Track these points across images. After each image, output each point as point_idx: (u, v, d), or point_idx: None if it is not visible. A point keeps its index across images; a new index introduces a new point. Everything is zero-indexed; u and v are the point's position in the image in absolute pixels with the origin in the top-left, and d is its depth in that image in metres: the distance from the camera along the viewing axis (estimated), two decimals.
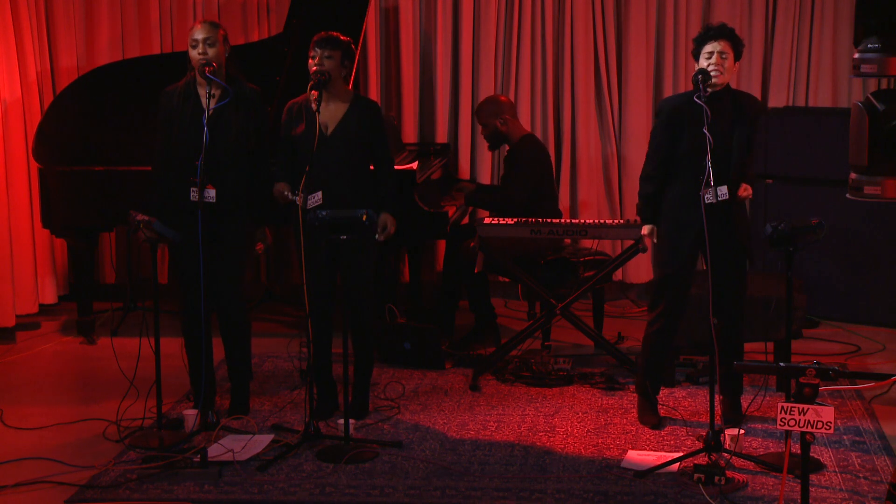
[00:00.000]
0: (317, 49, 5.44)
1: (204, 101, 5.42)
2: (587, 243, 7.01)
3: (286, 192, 5.46)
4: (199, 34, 5.41)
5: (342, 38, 5.50)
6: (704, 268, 5.32)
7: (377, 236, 5.51)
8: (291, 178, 5.47)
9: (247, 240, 5.59)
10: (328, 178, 5.44)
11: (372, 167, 5.59)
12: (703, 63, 5.24)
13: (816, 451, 5.14)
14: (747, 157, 5.33)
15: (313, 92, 5.40)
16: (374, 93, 7.91)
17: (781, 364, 3.98)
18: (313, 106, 5.38)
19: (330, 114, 5.50)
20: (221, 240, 5.48)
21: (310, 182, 5.39)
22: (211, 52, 5.39)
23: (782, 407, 3.85)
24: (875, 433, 5.42)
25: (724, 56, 5.22)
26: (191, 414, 5.44)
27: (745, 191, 5.29)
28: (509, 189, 6.82)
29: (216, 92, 5.39)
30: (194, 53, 5.41)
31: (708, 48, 5.24)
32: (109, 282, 8.05)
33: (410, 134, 7.98)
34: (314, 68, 5.42)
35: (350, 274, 5.53)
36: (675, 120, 5.32)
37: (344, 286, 5.56)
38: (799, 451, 3.92)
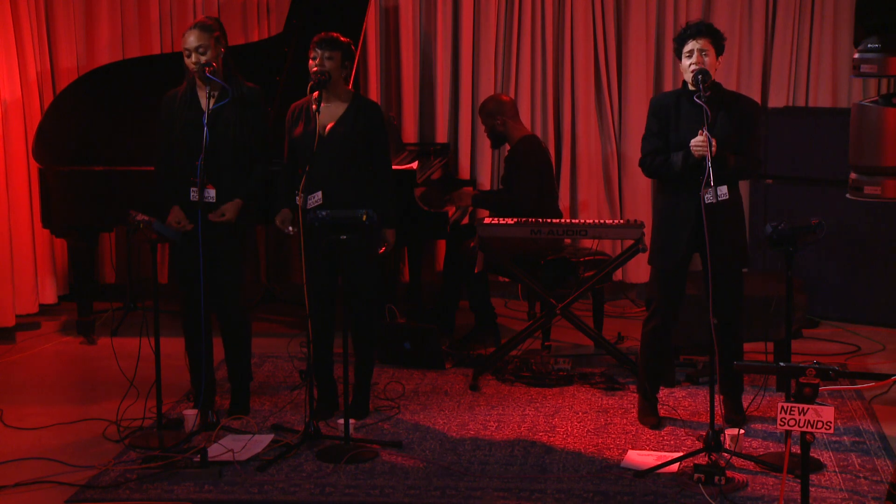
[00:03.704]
0: (317, 50, 5.43)
1: (204, 102, 5.42)
2: (587, 243, 7.01)
3: (289, 227, 5.49)
4: (191, 42, 5.36)
5: (342, 38, 5.49)
6: (701, 268, 5.32)
7: (379, 250, 5.52)
8: (295, 183, 5.46)
9: (247, 241, 5.59)
10: (327, 178, 5.44)
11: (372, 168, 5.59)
12: (684, 63, 5.24)
13: (816, 451, 5.14)
14: (743, 154, 5.30)
15: (314, 93, 5.39)
16: (374, 93, 7.91)
17: (781, 364, 3.97)
18: (313, 107, 5.38)
19: (328, 114, 5.50)
20: (221, 240, 5.48)
21: (309, 182, 5.39)
22: (204, 59, 5.36)
23: (782, 407, 3.85)
24: (875, 433, 5.42)
25: (704, 53, 5.21)
26: (191, 414, 5.43)
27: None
28: (515, 192, 6.82)
29: (216, 92, 5.38)
30: (188, 62, 5.39)
31: (688, 47, 5.23)
32: (109, 282, 8.05)
33: (410, 134, 7.98)
34: (315, 69, 5.42)
35: (351, 274, 5.52)
36: (661, 117, 5.32)
37: (345, 286, 5.56)
38: (799, 451, 3.92)
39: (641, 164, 5.41)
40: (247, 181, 5.48)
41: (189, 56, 5.37)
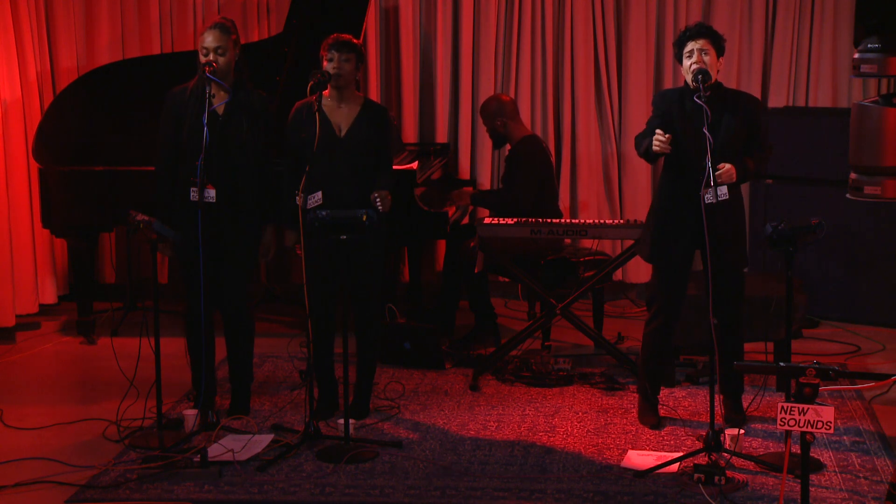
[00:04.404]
0: (334, 52, 5.42)
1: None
2: (587, 243, 7.01)
3: (297, 250, 5.47)
4: (210, 42, 5.35)
5: (355, 41, 5.49)
6: (702, 268, 5.32)
7: (379, 207, 5.38)
8: (299, 184, 5.42)
9: (255, 243, 5.58)
10: (336, 179, 5.43)
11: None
12: (685, 63, 5.24)
13: (816, 451, 5.14)
14: (754, 152, 5.30)
15: (316, 94, 5.37)
16: (374, 93, 7.91)
17: (781, 364, 3.98)
18: (314, 106, 5.37)
19: (342, 116, 5.50)
20: (229, 242, 5.47)
21: (316, 182, 5.38)
22: (221, 61, 5.35)
23: (782, 407, 3.85)
24: (875, 433, 5.42)
25: (705, 53, 5.22)
26: (191, 414, 5.44)
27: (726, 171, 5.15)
28: (515, 191, 6.82)
29: (216, 91, 5.38)
30: (204, 61, 5.36)
31: (688, 48, 5.24)
32: (109, 282, 8.05)
33: (410, 134, 7.98)
34: (334, 70, 5.41)
35: (353, 274, 5.51)
36: (664, 108, 5.33)
37: (348, 287, 5.55)
38: (799, 451, 3.92)
39: (636, 137, 5.42)
40: (270, 203, 5.52)
41: (207, 55, 5.36)
